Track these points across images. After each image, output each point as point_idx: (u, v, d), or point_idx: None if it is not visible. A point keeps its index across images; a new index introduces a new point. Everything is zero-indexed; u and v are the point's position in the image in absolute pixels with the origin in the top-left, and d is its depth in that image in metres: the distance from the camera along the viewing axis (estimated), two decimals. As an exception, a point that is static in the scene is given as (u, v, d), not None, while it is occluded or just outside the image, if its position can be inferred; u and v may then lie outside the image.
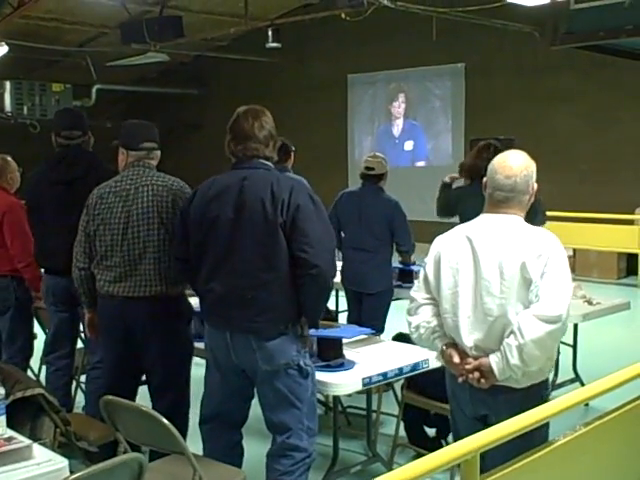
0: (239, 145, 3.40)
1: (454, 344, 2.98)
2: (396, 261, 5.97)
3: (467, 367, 2.90)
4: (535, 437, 2.72)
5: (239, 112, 3.45)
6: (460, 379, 2.94)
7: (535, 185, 3.02)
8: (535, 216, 4.47)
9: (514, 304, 2.83)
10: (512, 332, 2.80)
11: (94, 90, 14.89)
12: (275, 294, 3.30)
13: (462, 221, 5.06)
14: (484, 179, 3.06)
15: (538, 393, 2.94)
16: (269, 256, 3.28)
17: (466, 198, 5.14)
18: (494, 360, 2.84)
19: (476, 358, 2.90)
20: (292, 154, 6.40)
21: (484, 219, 3.03)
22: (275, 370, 3.34)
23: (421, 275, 3.11)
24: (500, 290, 2.85)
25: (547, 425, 2.90)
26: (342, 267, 5.88)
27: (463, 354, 2.94)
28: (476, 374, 2.88)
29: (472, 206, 5.02)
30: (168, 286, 3.76)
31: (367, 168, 5.71)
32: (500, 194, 2.95)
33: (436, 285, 3.01)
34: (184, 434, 3.49)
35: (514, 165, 2.96)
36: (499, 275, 2.86)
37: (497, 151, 5.10)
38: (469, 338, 2.91)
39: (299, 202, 3.26)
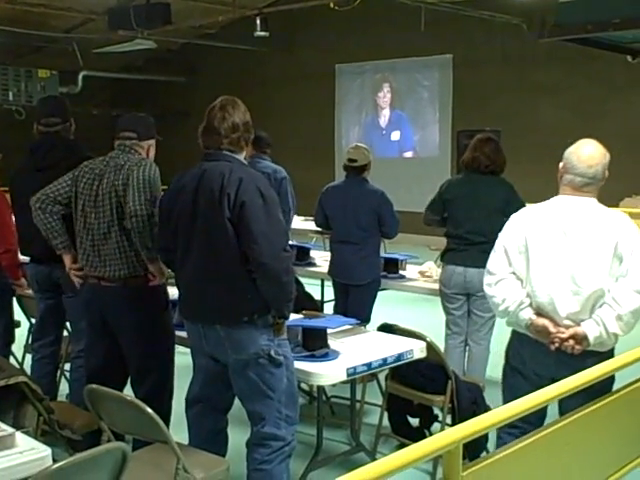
0: (203, 136, 3.43)
1: (542, 315, 3.25)
2: (383, 251, 5.96)
3: (562, 336, 3.20)
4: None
5: (213, 103, 3.46)
6: (553, 346, 3.22)
7: (606, 172, 3.34)
8: (509, 206, 4.52)
9: (606, 278, 3.17)
10: (605, 303, 3.16)
11: (80, 77, 14.79)
12: (230, 288, 3.28)
13: (450, 208, 5.13)
14: (560, 164, 3.34)
15: (613, 354, 3.32)
16: (220, 250, 3.26)
17: (455, 185, 5.28)
18: (589, 329, 3.16)
19: (567, 327, 3.21)
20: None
21: (565, 201, 3.32)
22: (245, 360, 3.33)
23: (500, 250, 3.36)
24: (594, 266, 3.17)
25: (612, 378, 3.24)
26: (330, 259, 5.89)
27: (555, 324, 3.23)
28: (571, 341, 3.19)
29: (461, 194, 5.10)
30: (136, 268, 3.77)
31: (350, 160, 5.69)
32: (582, 180, 3.29)
33: (523, 263, 3.28)
34: (166, 420, 3.49)
35: (595, 155, 3.31)
36: (592, 252, 3.18)
37: (497, 146, 5.16)
38: (564, 310, 3.21)
39: (244, 199, 3.20)
